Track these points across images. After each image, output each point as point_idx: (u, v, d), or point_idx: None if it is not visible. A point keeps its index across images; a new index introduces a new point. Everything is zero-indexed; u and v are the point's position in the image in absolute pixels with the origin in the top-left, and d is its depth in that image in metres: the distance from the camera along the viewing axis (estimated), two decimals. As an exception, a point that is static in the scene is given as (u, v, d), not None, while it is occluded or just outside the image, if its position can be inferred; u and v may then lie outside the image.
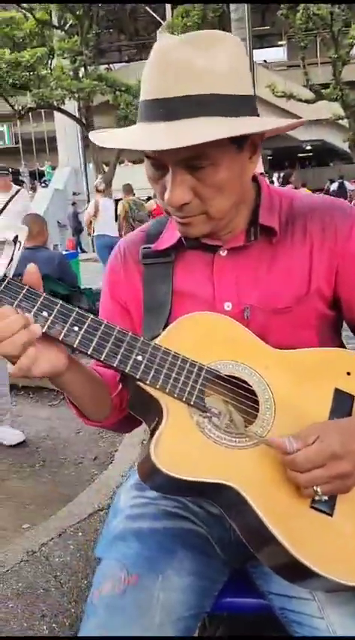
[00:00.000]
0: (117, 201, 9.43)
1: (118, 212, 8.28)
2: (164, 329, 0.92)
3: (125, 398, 1.00)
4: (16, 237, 0.81)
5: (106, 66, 20.78)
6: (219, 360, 0.89)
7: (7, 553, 1.83)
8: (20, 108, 14.06)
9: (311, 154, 25.57)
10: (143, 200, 9.01)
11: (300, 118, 1.09)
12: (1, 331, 0.77)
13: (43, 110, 17.23)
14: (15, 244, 0.81)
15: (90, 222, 8.39)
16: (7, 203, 6.60)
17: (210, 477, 0.80)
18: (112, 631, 0.83)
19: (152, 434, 0.83)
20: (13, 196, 6.67)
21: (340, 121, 16.74)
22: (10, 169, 7.20)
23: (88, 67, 14.11)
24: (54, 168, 21.93)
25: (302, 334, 0.97)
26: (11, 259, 0.81)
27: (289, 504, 0.81)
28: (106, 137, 0.92)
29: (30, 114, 16.44)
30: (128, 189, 8.71)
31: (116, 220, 8.53)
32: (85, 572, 1.82)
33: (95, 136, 0.92)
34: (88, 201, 15.54)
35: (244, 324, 0.93)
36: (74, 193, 18.50)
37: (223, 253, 0.99)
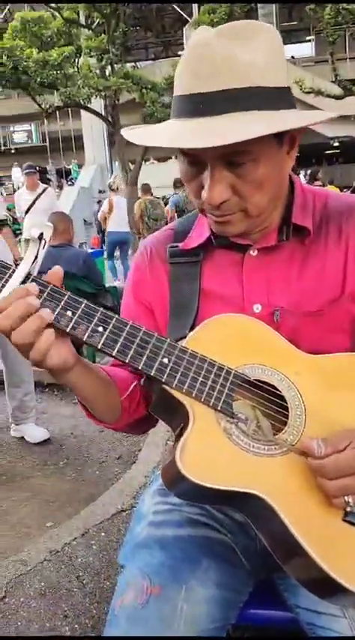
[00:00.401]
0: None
1: (135, 211, 8.47)
2: (190, 330, 0.89)
3: (135, 400, 0.97)
4: (41, 234, 0.79)
5: (133, 64, 20.82)
6: (248, 364, 0.86)
7: (30, 552, 1.84)
8: (47, 107, 14.15)
9: (338, 150, 25.15)
10: (159, 198, 9.17)
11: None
12: (8, 317, 0.73)
13: (69, 109, 17.34)
14: (40, 242, 0.79)
15: (105, 218, 8.94)
16: (33, 202, 6.67)
17: (237, 485, 0.77)
18: None
19: (177, 439, 0.81)
20: (39, 195, 6.74)
21: (369, 117, 16.41)
22: (37, 168, 7.28)
23: (115, 65, 14.13)
24: (80, 167, 22.10)
25: (335, 338, 0.93)
26: (36, 257, 0.79)
27: (320, 516, 0.78)
28: (143, 135, 0.89)
29: (57, 112, 16.56)
30: (146, 188, 8.85)
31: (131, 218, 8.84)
32: (107, 573, 1.81)
33: (130, 134, 0.88)
34: (114, 199, 15.61)
35: (274, 327, 0.89)
36: (100, 191, 18.60)
37: (253, 253, 0.95)
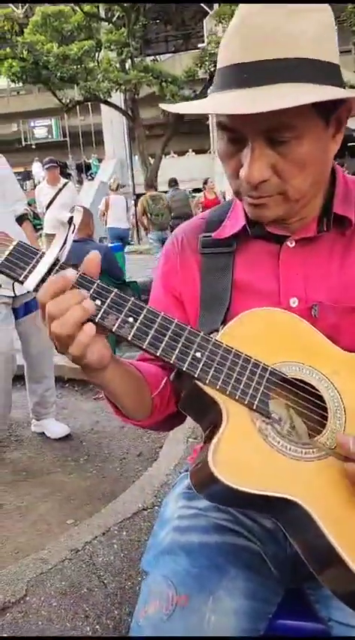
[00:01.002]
0: (164, 192, 10.30)
1: (138, 209, 9.17)
2: (222, 324, 0.84)
3: (166, 397, 0.93)
4: (71, 218, 0.76)
5: (153, 57, 20.74)
6: (284, 361, 0.81)
7: (51, 550, 1.81)
8: (68, 101, 14.19)
9: (361, 143, 24.77)
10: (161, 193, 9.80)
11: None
12: (53, 308, 0.70)
13: (89, 103, 17.35)
14: (69, 227, 0.76)
15: (103, 214, 9.82)
16: (55, 196, 6.67)
17: (273, 490, 0.72)
18: None
19: (208, 439, 0.76)
20: (60, 189, 6.74)
21: None
22: (58, 162, 7.27)
23: (135, 59, 14.10)
24: (100, 161, 22.15)
25: None
26: (65, 242, 0.76)
27: None
28: (182, 106, 0.86)
29: (77, 107, 16.60)
30: (149, 184, 9.98)
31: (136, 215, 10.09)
32: (128, 573, 1.78)
33: (169, 106, 0.86)
34: (134, 193, 15.62)
35: (311, 323, 0.84)
36: (119, 185, 18.62)
37: (291, 244, 0.90)
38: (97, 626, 1.62)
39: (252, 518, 0.97)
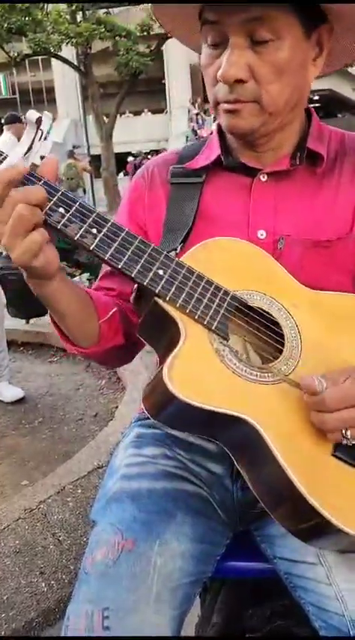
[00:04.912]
0: (120, 154, 10.92)
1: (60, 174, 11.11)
2: (181, 244, 0.85)
3: (113, 327, 0.92)
4: (39, 119, 0.70)
5: (105, 10, 19.85)
6: (246, 289, 0.80)
7: (4, 510, 1.79)
8: (16, 55, 13.45)
9: (318, 104, 24.77)
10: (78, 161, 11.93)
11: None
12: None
13: (40, 58, 16.55)
14: (37, 130, 0.70)
15: None
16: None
17: (226, 407, 0.71)
18: (105, 602, 0.77)
19: (164, 358, 0.74)
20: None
21: (349, 69, 16.13)
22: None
23: (86, 11, 13.46)
24: (53, 120, 21.34)
25: (336, 277, 0.89)
26: (30, 147, 0.71)
27: (309, 449, 0.72)
28: None
29: (27, 62, 15.82)
30: (69, 154, 11.75)
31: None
32: (83, 530, 1.78)
33: None
34: (89, 154, 15.19)
35: (276, 256, 0.85)
36: (74, 146, 18.09)
37: (263, 178, 0.91)
38: (53, 582, 1.62)
39: (200, 464, 0.97)
